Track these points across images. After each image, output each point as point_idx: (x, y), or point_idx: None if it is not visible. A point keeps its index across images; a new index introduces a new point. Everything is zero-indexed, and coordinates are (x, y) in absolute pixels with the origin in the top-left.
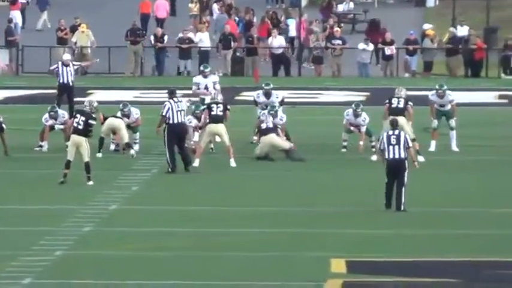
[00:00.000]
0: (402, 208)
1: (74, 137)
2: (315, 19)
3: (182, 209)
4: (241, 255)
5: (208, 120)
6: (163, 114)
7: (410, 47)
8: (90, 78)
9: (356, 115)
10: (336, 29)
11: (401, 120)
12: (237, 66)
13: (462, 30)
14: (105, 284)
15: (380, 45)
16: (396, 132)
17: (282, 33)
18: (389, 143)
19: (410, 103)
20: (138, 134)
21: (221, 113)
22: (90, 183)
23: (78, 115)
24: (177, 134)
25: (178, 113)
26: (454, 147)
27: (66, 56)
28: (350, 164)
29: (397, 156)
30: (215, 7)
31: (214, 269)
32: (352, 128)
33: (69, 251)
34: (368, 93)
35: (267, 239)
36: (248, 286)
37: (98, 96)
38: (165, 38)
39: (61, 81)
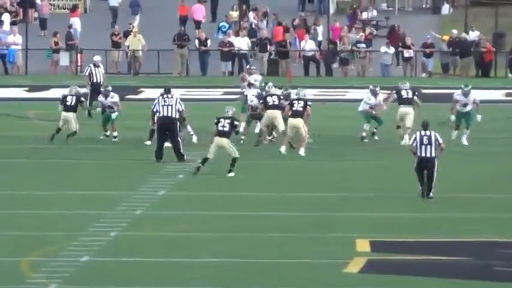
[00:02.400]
0: (431, 195)
1: (218, 139)
2: (345, 25)
3: (223, 195)
4: (276, 236)
5: (289, 114)
6: (152, 108)
7: (427, 50)
8: (141, 78)
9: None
10: (361, 34)
11: (409, 110)
12: (272, 67)
13: (473, 35)
14: (155, 261)
15: (400, 49)
16: (428, 132)
17: (312, 38)
18: (421, 143)
19: (417, 93)
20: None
21: (301, 109)
22: (231, 174)
23: (222, 119)
24: (163, 126)
25: (165, 107)
26: (465, 141)
27: (97, 58)
28: (372, 153)
29: (428, 155)
30: (251, 15)
31: (251, 249)
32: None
33: (122, 232)
34: (390, 92)
35: (298, 222)
36: (282, 264)
37: (148, 93)
38: (208, 42)
39: (94, 80)
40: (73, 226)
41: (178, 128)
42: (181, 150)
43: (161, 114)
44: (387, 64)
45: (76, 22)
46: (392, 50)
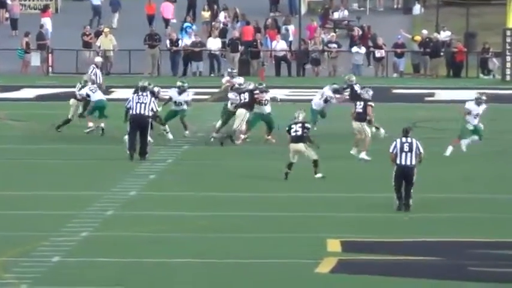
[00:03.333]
0: (410, 205)
1: (293, 145)
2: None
3: (194, 195)
4: (248, 236)
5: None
6: (126, 106)
7: (398, 50)
8: (112, 78)
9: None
10: (332, 34)
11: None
12: (243, 68)
13: (444, 35)
14: (126, 262)
15: (371, 49)
16: (409, 140)
17: (283, 39)
18: (402, 150)
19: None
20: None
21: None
22: (319, 175)
23: (293, 125)
24: (135, 123)
25: (138, 104)
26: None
27: (98, 59)
28: (342, 153)
29: (409, 162)
30: (222, 15)
31: (223, 248)
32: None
33: (93, 233)
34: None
35: (270, 222)
36: (253, 264)
37: (119, 93)
38: (180, 42)
39: (97, 82)
40: (44, 226)
41: (149, 126)
42: (147, 149)
43: (133, 112)
44: (358, 64)
45: (47, 22)
46: (363, 50)
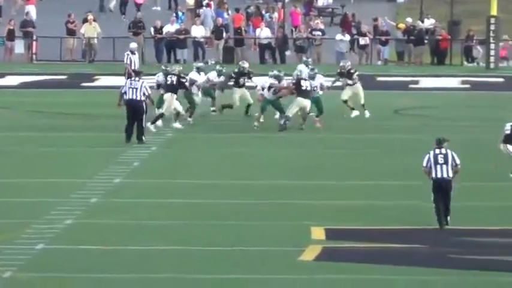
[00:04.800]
0: (448, 223)
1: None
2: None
3: (178, 182)
4: (231, 223)
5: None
6: (121, 90)
7: (383, 38)
8: (96, 65)
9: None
10: (317, 21)
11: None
12: (227, 55)
13: (428, 23)
14: (110, 249)
15: (356, 36)
16: (443, 151)
17: (268, 26)
18: (436, 162)
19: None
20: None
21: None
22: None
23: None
24: (129, 107)
25: (131, 90)
26: None
27: (133, 45)
28: (324, 140)
29: (445, 175)
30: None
31: (206, 236)
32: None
33: (77, 220)
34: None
35: (254, 209)
36: (236, 251)
37: (103, 81)
38: (164, 29)
39: (132, 68)
40: (28, 214)
41: (144, 111)
42: (143, 133)
43: (127, 97)
44: (343, 52)
45: (31, 9)
46: (347, 37)
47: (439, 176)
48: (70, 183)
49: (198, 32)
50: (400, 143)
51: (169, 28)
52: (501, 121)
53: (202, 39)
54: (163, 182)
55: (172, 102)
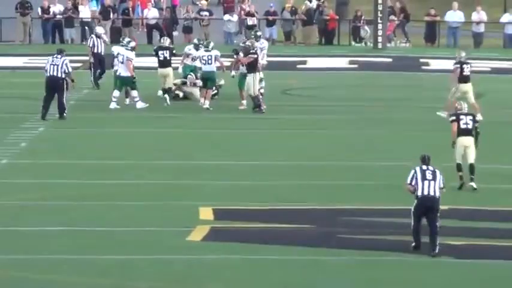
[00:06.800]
0: (436, 251)
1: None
2: None
3: (68, 163)
4: (121, 204)
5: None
6: (45, 68)
7: (270, 18)
8: None
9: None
10: (203, 1)
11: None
12: (115, 35)
13: (316, 3)
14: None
15: (243, 16)
16: (431, 168)
17: (156, 7)
18: (424, 178)
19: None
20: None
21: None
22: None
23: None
24: (49, 84)
25: (52, 66)
26: None
27: (100, 29)
28: (217, 120)
29: (432, 193)
30: None
31: (95, 216)
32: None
33: None
34: (233, 59)
35: (143, 190)
36: (126, 231)
37: None
38: (51, 10)
39: (96, 51)
40: None
41: (63, 88)
42: (65, 109)
43: (48, 74)
44: (230, 32)
45: None
46: (235, 18)
47: (425, 193)
48: None
49: (85, 12)
50: (287, 123)
51: (55, 8)
52: (387, 101)
53: (89, 19)
54: (51, 163)
55: (171, 76)
